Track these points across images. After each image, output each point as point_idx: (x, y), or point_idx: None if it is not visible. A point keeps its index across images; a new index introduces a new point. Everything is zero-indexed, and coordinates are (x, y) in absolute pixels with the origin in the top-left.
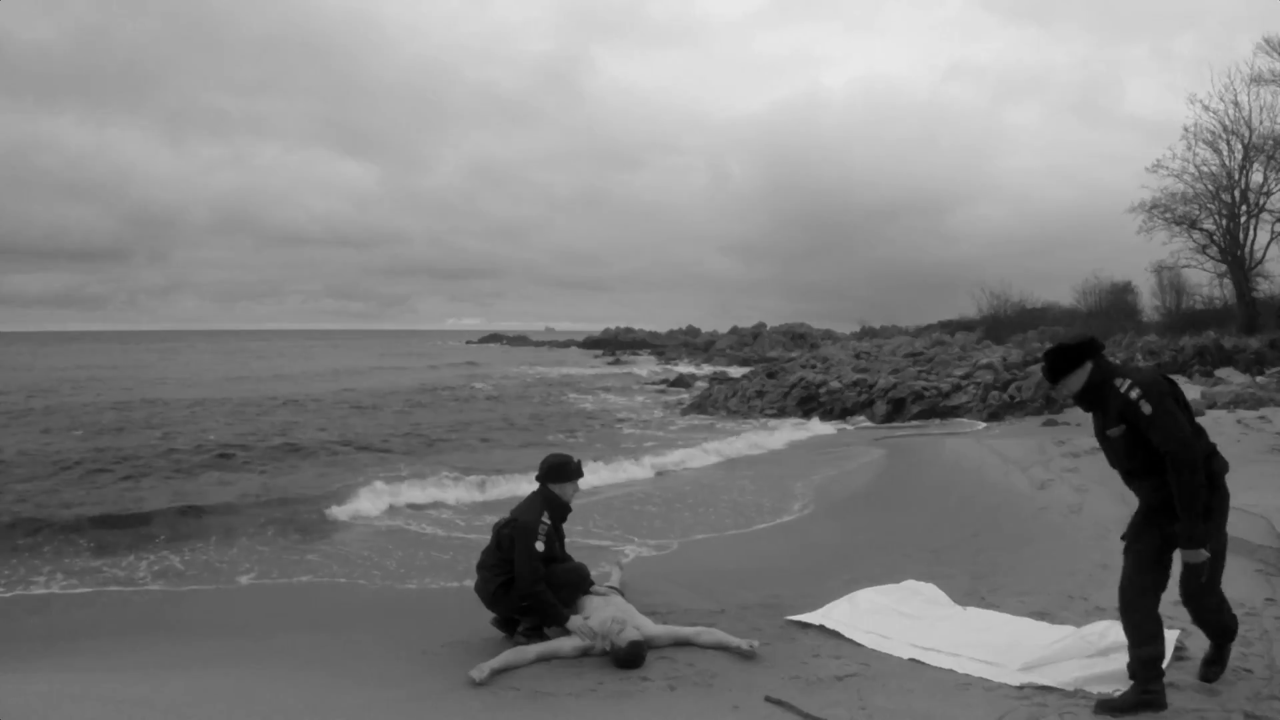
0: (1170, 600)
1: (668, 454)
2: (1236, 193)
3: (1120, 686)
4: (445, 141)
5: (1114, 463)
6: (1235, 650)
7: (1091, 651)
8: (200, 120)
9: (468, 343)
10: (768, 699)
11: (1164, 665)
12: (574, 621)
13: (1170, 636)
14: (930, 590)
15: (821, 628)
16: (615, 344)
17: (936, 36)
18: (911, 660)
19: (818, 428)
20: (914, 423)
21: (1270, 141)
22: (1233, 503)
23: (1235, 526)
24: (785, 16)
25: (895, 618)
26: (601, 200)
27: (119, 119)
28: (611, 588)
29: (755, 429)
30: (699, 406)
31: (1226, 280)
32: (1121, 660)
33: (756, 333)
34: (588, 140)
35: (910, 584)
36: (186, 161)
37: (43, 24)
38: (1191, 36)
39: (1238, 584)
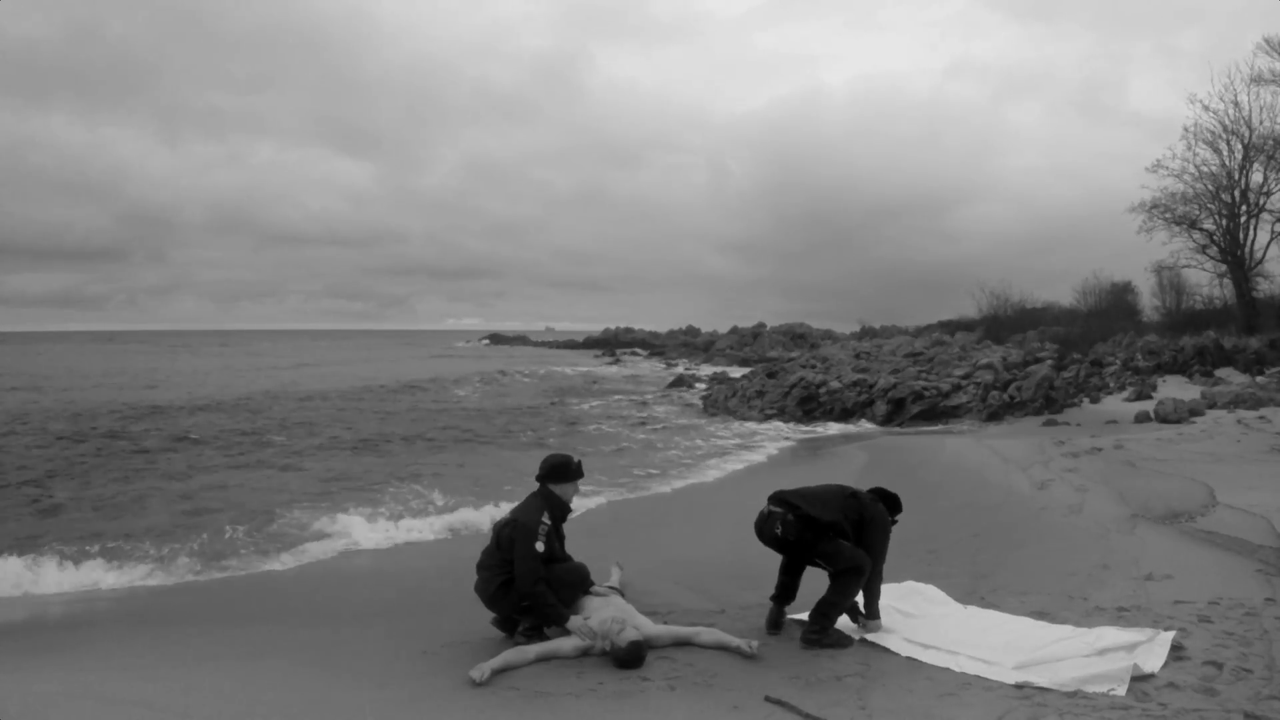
0: (1169, 600)
1: (666, 456)
2: (1236, 193)
3: (1116, 687)
4: (442, 139)
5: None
6: (1235, 650)
7: (1089, 652)
8: (194, 118)
9: (481, 341)
10: (768, 699)
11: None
12: (574, 621)
13: (1166, 637)
14: (930, 590)
15: None
16: (615, 344)
17: (938, 33)
18: (909, 659)
19: (818, 430)
20: (908, 429)
21: (1270, 141)
22: (1233, 502)
23: (1235, 527)
24: (786, 13)
25: (894, 615)
26: (601, 199)
27: (111, 117)
28: (611, 588)
29: (753, 432)
30: (698, 407)
31: (1226, 280)
32: (1120, 661)
33: (756, 333)
34: (587, 138)
35: (910, 584)
36: (181, 160)
37: (31, 20)
38: (1196, 32)
39: (1238, 584)
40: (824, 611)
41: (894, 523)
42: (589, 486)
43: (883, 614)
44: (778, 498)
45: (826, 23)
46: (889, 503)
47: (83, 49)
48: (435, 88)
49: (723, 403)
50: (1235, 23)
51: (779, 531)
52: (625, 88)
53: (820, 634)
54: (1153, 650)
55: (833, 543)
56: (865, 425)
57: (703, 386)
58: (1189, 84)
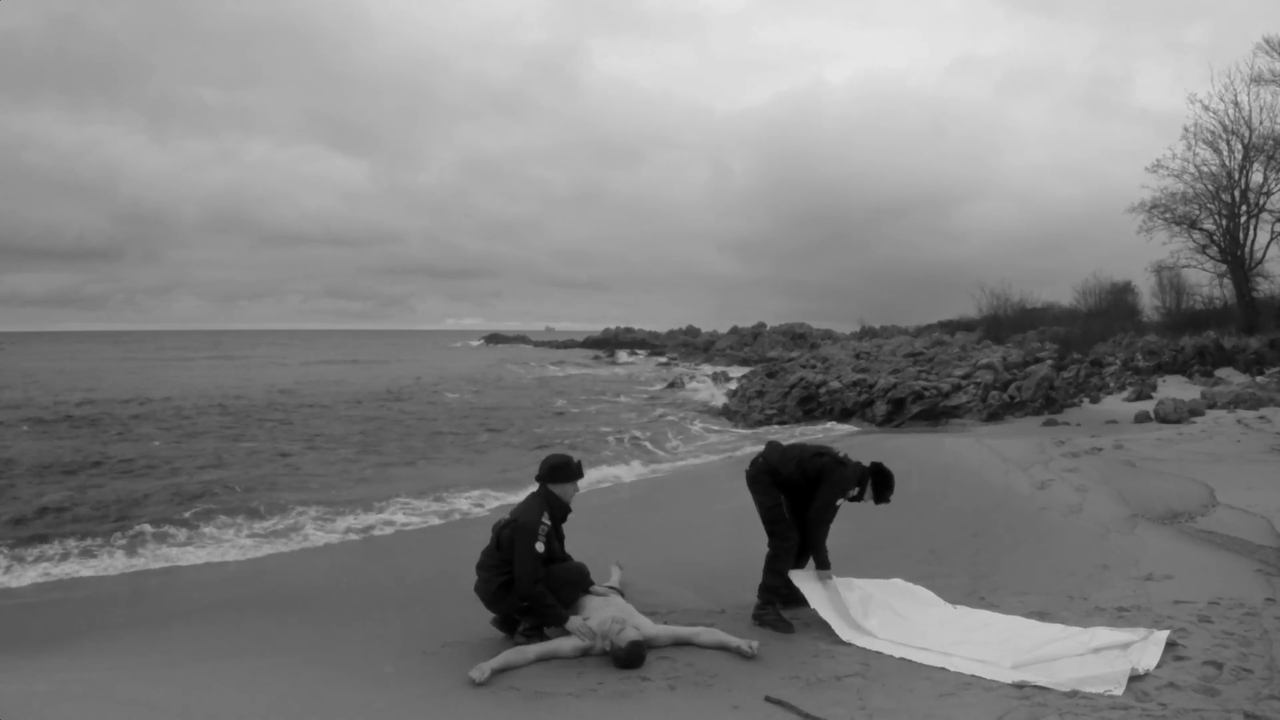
0: (1169, 600)
1: (666, 455)
2: (1236, 193)
3: (1114, 688)
4: (437, 136)
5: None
6: (1235, 650)
7: (1083, 651)
8: (184, 115)
9: (535, 345)
10: (768, 699)
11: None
12: (573, 622)
13: (1160, 636)
14: (919, 591)
15: (822, 625)
16: (615, 344)
17: (941, 29)
18: (903, 660)
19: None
20: (908, 429)
21: (1270, 141)
22: (1233, 502)
23: (1235, 527)
24: (787, 8)
25: (887, 614)
26: (599, 197)
27: (100, 114)
28: (611, 587)
29: (751, 433)
30: (697, 408)
31: (1226, 280)
32: (1116, 662)
33: (756, 333)
34: (585, 134)
35: (897, 582)
36: (173, 158)
37: (14, 15)
38: (1202, 26)
39: (1238, 584)
40: (766, 585)
41: (885, 501)
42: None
43: (875, 612)
44: (768, 445)
45: (828, 18)
46: (880, 480)
47: (67, 43)
48: (428, 82)
49: (734, 406)
50: (1242, 18)
51: (747, 469)
52: (624, 83)
53: (763, 610)
54: (1147, 649)
55: (769, 494)
56: (870, 426)
57: (701, 386)
58: (1196, 80)
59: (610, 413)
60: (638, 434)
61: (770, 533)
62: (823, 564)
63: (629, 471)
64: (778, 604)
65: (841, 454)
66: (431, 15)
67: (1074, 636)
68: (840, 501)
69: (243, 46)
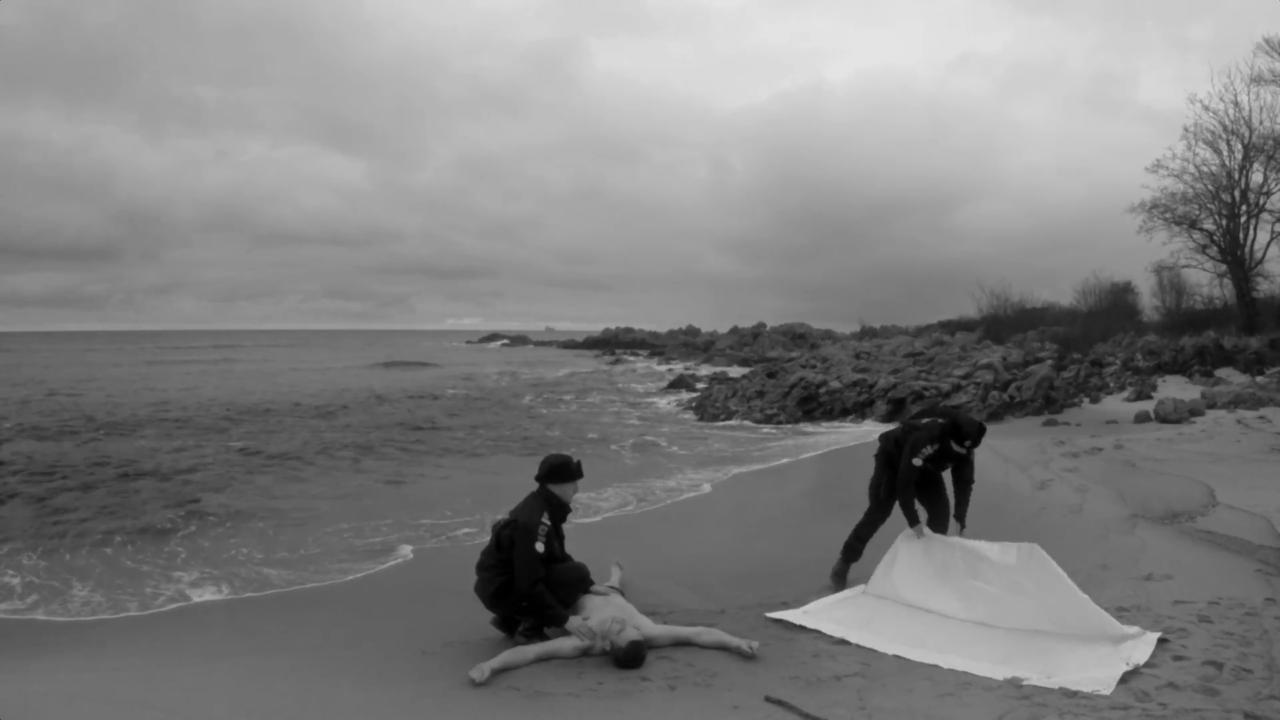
0: (1169, 600)
1: (666, 456)
2: (1236, 193)
3: (1100, 688)
4: (434, 134)
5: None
6: (1235, 650)
7: (1079, 649)
8: (178, 113)
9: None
10: (768, 699)
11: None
12: (573, 622)
13: (1152, 637)
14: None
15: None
16: (615, 344)
17: (943, 27)
18: (903, 659)
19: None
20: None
21: (1270, 141)
22: (1233, 502)
23: (1235, 527)
24: (788, 5)
25: (885, 616)
26: (599, 195)
27: (93, 113)
28: (611, 587)
29: (751, 434)
30: (699, 407)
31: (1226, 280)
32: (1109, 660)
33: (756, 333)
34: (583, 132)
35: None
36: (169, 157)
37: (6, 12)
38: (1205, 24)
39: (1238, 584)
40: (847, 543)
41: (973, 443)
42: (590, 490)
43: (870, 620)
44: (883, 435)
45: (828, 16)
46: (953, 429)
47: (59, 41)
48: (424, 80)
49: (723, 403)
50: (1244, 16)
51: (876, 453)
52: (623, 81)
53: (840, 565)
54: (1137, 647)
55: (879, 473)
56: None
57: (703, 386)
58: (1199, 78)
59: (612, 414)
60: (639, 433)
61: (870, 503)
62: (914, 519)
63: (628, 473)
64: (850, 563)
65: (925, 420)
66: (428, 11)
67: (1070, 635)
68: (919, 460)
69: (238, 43)
